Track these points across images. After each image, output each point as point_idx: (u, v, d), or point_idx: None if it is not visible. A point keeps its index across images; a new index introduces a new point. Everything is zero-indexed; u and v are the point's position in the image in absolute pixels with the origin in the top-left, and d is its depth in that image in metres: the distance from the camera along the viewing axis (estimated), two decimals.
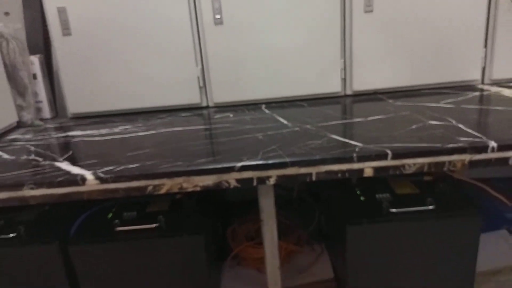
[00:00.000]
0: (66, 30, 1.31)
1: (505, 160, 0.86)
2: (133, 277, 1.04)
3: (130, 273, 1.03)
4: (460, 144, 0.86)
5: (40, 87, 1.44)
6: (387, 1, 1.32)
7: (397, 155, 0.85)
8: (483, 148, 0.85)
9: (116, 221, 1.03)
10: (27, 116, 1.37)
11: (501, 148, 0.85)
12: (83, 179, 0.86)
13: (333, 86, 1.41)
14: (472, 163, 0.86)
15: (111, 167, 0.89)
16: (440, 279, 1.03)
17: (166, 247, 1.00)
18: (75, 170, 0.90)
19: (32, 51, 1.45)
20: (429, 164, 0.86)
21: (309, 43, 1.36)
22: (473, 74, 1.42)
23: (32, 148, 1.11)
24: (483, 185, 1.35)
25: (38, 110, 1.45)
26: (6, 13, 1.52)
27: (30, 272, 1.02)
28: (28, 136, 1.25)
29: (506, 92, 1.31)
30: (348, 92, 1.43)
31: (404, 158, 0.86)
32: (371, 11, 1.33)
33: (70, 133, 1.23)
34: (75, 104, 1.39)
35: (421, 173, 1.12)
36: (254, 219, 1.38)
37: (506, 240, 1.32)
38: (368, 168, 0.87)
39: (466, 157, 0.86)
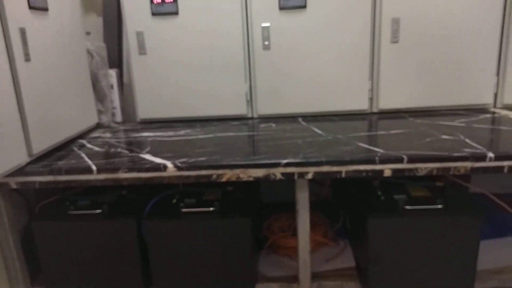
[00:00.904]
0: (142, 50, 1.60)
1: (501, 168, 1.07)
2: (192, 252, 1.28)
3: (190, 248, 1.27)
4: (464, 154, 1.07)
5: (115, 95, 1.73)
6: (410, 34, 1.55)
7: (411, 160, 1.07)
8: (482, 158, 1.06)
9: (181, 204, 1.29)
10: (105, 119, 1.66)
11: (497, 158, 1.06)
12: (165, 167, 1.12)
13: (361, 104, 1.64)
14: (474, 170, 1.07)
15: (184, 159, 1.15)
16: (446, 270, 1.23)
17: (220, 227, 1.24)
18: (158, 160, 1.16)
19: (110, 66, 1.75)
20: (438, 169, 1.08)
21: (342, 67, 1.60)
22: (486, 99, 1.61)
23: (116, 143, 1.39)
24: (490, 194, 1.52)
25: (113, 115, 1.74)
26: (88, 33, 1.83)
27: (110, 243, 1.28)
28: (108, 135, 1.53)
29: None
30: (374, 110, 1.66)
31: (417, 163, 1.07)
32: (397, 42, 1.56)
33: (143, 134, 1.51)
34: (144, 111, 1.67)
35: (434, 180, 1.33)
36: (287, 215, 1.60)
37: (511, 245, 1.49)
38: (387, 169, 1.09)
39: (468, 164, 1.07)
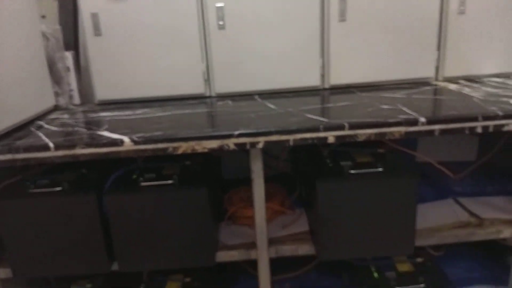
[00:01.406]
0: (97, 31, 1.62)
1: (432, 131, 1.18)
2: (153, 225, 1.34)
3: (151, 221, 1.33)
4: (398, 119, 1.17)
5: (72, 78, 1.74)
6: (357, 13, 1.64)
7: (351, 127, 1.17)
8: (415, 122, 1.17)
9: (140, 178, 1.34)
10: (63, 101, 1.67)
11: (429, 122, 1.17)
12: (121, 141, 1.16)
13: (314, 80, 1.72)
14: (407, 134, 1.18)
15: (141, 134, 1.20)
16: (388, 228, 1.34)
17: (178, 198, 1.31)
18: (115, 136, 1.20)
19: (65, 48, 1.75)
20: (375, 134, 1.18)
21: (295, 45, 1.67)
22: (428, 72, 1.73)
23: (74, 123, 1.41)
24: (433, 161, 1.65)
25: (70, 97, 1.75)
26: (43, 16, 1.82)
27: (72, 220, 1.32)
28: (66, 116, 1.55)
29: (452, 86, 1.63)
30: (326, 86, 1.75)
31: (357, 129, 1.17)
32: (345, 20, 1.64)
33: (101, 114, 1.54)
34: (102, 92, 1.69)
35: (376, 146, 1.44)
36: (246, 189, 1.68)
37: (450, 205, 1.64)
38: (331, 136, 1.18)
39: (402, 129, 1.17)
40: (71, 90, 1.74)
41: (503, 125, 1.19)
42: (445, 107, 1.33)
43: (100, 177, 1.41)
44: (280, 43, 1.67)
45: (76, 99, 1.77)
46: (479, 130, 1.18)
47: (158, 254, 1.37)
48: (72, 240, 1.32)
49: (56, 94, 1.66)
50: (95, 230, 1.33)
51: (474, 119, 1.17)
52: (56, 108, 1.66)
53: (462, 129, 1.18)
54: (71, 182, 1.35)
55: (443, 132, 1.18)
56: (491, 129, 1.19)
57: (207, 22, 1.62)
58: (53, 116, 1.56)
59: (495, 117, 1.18)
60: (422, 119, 1.17)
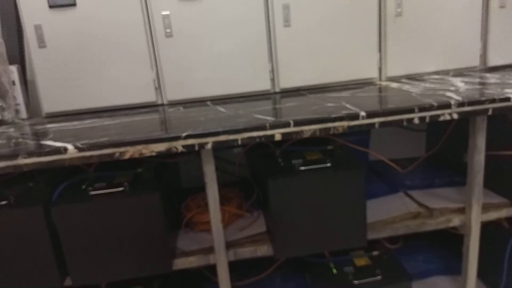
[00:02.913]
0: (41, 43, 1.59)
1: (372, 124, 1.23)
2: (105, 235, 1.31)
3: (103, 231, 1.30)
4: (340, 114, 1.22)
5: (18, 92, 1.69)
6: (301, 18, 1.70)
7: (296, 123, 1.20)
8: (356, 116, 1.22)
9: (90, 188, 1.31)
10: (8, 116, 1.62)
11: (369, 115, 1.22)
12: (65, 149, 1.14)
13: (264, 85, 1.76)
14: (350, 127, 1.23)
15: (86, 141, 1.18)
16: (340, 221, 1.38)
17: (130, 206, 1.29)
18: (58, 144, 1.18)
19: (10, 62, 1.71)
20: (320, 130, 1.22)
21: (244, 51, 1.71)
22: (372, 73, 1.82)
23: (19, 135, 1.37)
24: (384, 158, 1.72)
25: (16, 111, 1.70)
26: None
27: (19, 234, 1.27)
28: (11, 130, 1.50)
29: (394, 85, 1.71)
30: (277, 89, 1.79)
31: (302, 126, 1.21)
32: (289, 26, 1.70)
33: (48, 126, 1.50)
34: (49, 104, 1.66)
35: (326, 144, 1.48)
36: (203, 195, 1.68)
37: (401, 198, 1.70)
38: (277, 133, 1.21)
39: (345, 123, 1.22)
40: (17, 104, 1.69)
41: (438, 115, 1.26)
42: (384, 102, 1.39)
43: (48, 190, 1.37)
44: (229, 49, 1.70)
45: (23, 113, 1.72)
46: (416, 121, 1.25)
47: (113, 265, 1.34)
48: (22, 256, 1.27)
49: (1, 109, 1.61)
50: (44, 244, 1.28)
51: (411, 110, 1.24)
52: (1, 123, 1.61)
53: (401, 120, 1.24)
54: (17, 195, 1.31)
55: (382, 124, 1.23)
56: (427, 120, 1.26)
57: (154, 30, 1.63)
58: None
59: (430, 108, 1.25)
60: (363, 113, 1.22)
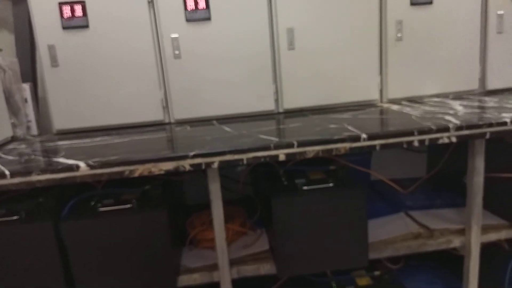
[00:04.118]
0: (54, 62, 1.65)
1: (373, 146, 1.28)
2: (112, 250, 1.34)
3: (110, 247, 1.33)
4: (342, 136, 1.26)
5: (30, 109, 1.75)
6: (304, 42, 1.76)
7: (300, 144, 1.24)
8: (358, 138, 1.26)
9: (99, 204, 1.35)
10: (20, 132, 1.67)
11: (370, 138, 1.27)
12: (77, 166, 1.19)
13: (268, 105, 1.81)
14: (352, 149, 1.27)
15: (97, 159, 1.22)
16: (342, 240, 1.41)
17: (137, 222, 1.32)
18: (70, 161, 1.22)
19: (23, 80, 1.77)
20: (322, 151, 1.26)
21: (249, 73, 1.77)
22: (373, 95, 1.87)
23: (31, 152, 1.42)
24: (385, 178, 1.75)
25: (28, 128, 1.75)
26: (0, 49, 1.84)
27: (29, 247, 1.30)
28: (23, 146, 1.55)
29: (394, 107, 1.76)
30: (280, 110, 1.84)
31: (305, 147, 1.25)
32: (293, 49, 1.76)
33: (59, 143, 1.55)
34: (60, 122, 1.71)
35: (329, 164, 1.52)
36: (208, 212, 1.71)
37: (402, 219, 1.73)
38: (281, 154, 1.25)
39: (347, 145, 1.26)
40: (29, 121, 1.75)
41: (437, 138, 1.30)
42: (385, 125, 1.44)
43: (57, 205, 1.40)
44: (235, 71, 1.76)
45: (34, 130, 1.77)
46: (416, 143, 1.29)
47: (119, 280, 1.36)
48: (31, 269, 1.30)
49: (13, 125, 1.66)
50: (53, 258, 1.31)
51: (411, 133, 1.28)
52: (13, 139, 1.66)
53: (401, 143, 1.29)
54: (28, 210, 1.35)
55: (383, 146, 1.27)
56: (427, 142, 1.30)
57: (163, 51, 1.70)
58: (10, 146, 1.56)
59: (429, 131, 1.29)
60: (364, 135, 1.26)
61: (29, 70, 1.82)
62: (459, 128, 1.29)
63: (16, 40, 1.82)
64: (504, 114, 1.40)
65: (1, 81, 1.61)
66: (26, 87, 1.74)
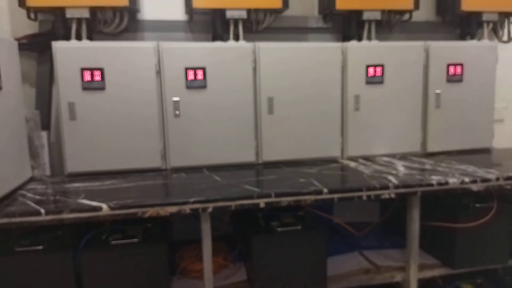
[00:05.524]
0: (72, 116, 1.97)
1: (332, 199, 1.65)
2: (120, 277, 1.62)
3: (118, 275, 1.62)
4: (309, 190, 1.63)
5: (46, 153, 2.04)
6: (281, 108, 2.16)
7: (276, 195, 1.61)
8: (320, 192, 1.64)
9: (110, 238, 1.65)
10: (38, 173, 1.95)
11: (330, 192, 1.65)
12: (100, 208, 1.49)
13: (250, 157, 2.18)
14: (316, 200, 1.64)
15: (115, 201, 1.53)
16: (306, 273, 1.75)
17: (143, 253, 1.63)
18: (94, 203, 1.53)
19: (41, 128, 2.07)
20: (294, 201, 1.62)
21: (235, 130, 2.14)
22: (336, 153, 2.27)
23: (53, 192, 1.71)
24: (342, 222, 2.13)
25: (43, 169, 2.03)
26: None
27: (50, 275, 1.57)
28: (42, 186, 1.83)
29: (352, 164, 2.16)
30: (260, 161, 2.20)
31: (280, 197, 1.61)
32: (272, 113, 2.16)
33: (74, 184, 1.84)
34: (72, 166, 2.00)
35: (297, 210, 1.88)
36: (195, 246, 2.02)
37: (356, 257, 2.10)
38: (262, 202, 1.60)
39: (312, 197, 1.63)
40: (44, 164, 2.03)
41: (380, 194, 1.70)
42: (342, 181, 1.83)
43: (74, 239, 1.68)
44: (224, 128, 2.12)
45: (48, 171, 2.05)
46: (364, 197, 1.68)
47: None
48: None
49: (32, 167, 1.94)
50: (70, 285, 1.58)
51: (360, 190, 1.67)
52: (31, 179, 1.94)
53: (353, 197, 1.67)
54: (49, 242, 1.62)
55: (340, 199, 1.66)
56: (372, 197, 1.69)
57: (166, 111, 2.05)
58: (30, 186, 1.84)
59: (374, 188, 1.69)
60: (325, 190, 1.64)
61: (45, 120, 2.12)
62: (396, 187, 1.70)
63: (37, 93, 2.14)
64: (433, 177, 1.82)
65: (26, 130, 1.91)
66: (44, 134, 2.04)
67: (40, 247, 1.58)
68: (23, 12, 2.03)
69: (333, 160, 2.26)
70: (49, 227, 1.70)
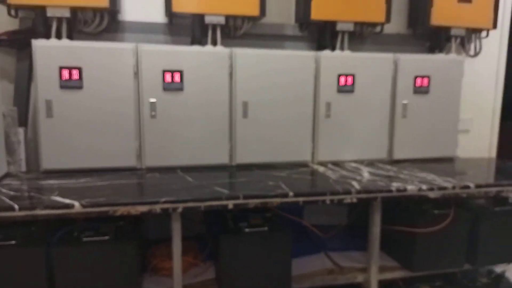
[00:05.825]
0: (50, 114, 2.01)
1: (297, 202, 1.74)
2: (90, 274, 1.68)
3: (89, 271, 1.67)
4: (276, 193, 1.72)
5: (22, 149, 2.07)
6: (255, 112, 2.24)
7: (245, 197, 1.69)
8: (286, 195, 1.73)
9: (82, 235, 1.70)
10: (13, 169, 1.99)
11: (295, 195, 1.74)
12: (72, 205, 1.55)
13: (224, 159, 2.25)
14: (282, 203, 1.73)
15: (88, 199, 1.59)
16: (271, 273, 1.84)
17: (114, 250, 1.69)
18: (67, 200, 1.58)
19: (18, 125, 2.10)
20: (261, 203, 1.71)
21: (210, 132, 2.21)
22: (307, 157, 2.37)
23: (28, 188, 1.75)
24: (309, 225, 2.22)
25: (19, 165, 2.06)
26: None
27: (21, 269, 1.61)
28: (17, 182, 1.87)
29: (321, 169, 2.26)
30: (233, 163, 2.28)
31: (248, 199, 1.69)
32: (247, 117, 2.24)
33: (49, 181, 1.89)
34: (48, 163, 2.04)
35: (265, 212, 1.97)
36: (166, 245, 2.08)
37: (321, 258, 2.20)
38: (230, 204, 1.68)
39: (278, 200, 1.72)
40: (20, 160, 2.06)
41: (343, 199, 1.80)
42: (309, 185, 1.92)
43: (47, 235, 1.72)
44: (199, 130, 2.19)
45: (23, 167, 2.08)
46: (328, 201, 1.78)
47: None
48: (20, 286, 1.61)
49: (8, 163, 1.98)
50: (41, 278, 1.63)
51: (324, 194, 1.77)
52: (7, 175, 1.97)
53: (317, 201, 1.77)
54: (22, 237, 1.66)
55: (305, 202, 1.75)
56: (335, 201, 1.79)
57: (142, 112, 2.11)
58: (5, 181, 1.87)
59: (337, 193, 1.79)
60: (291, 193, 1.73)
61: (23, 117, 2.15)
62: (358, 192, 1.80)
63: (15, 90, 2.16)
64: (394, 183, 1.93)
65: (3, 126, 1.94)
66: (21, 131, 2.07)
67: (13, 242, 1.63)
68: (3, 8, 2.05)
69: (303, 164, 2.35)
70: (23, 222, 1.75)
